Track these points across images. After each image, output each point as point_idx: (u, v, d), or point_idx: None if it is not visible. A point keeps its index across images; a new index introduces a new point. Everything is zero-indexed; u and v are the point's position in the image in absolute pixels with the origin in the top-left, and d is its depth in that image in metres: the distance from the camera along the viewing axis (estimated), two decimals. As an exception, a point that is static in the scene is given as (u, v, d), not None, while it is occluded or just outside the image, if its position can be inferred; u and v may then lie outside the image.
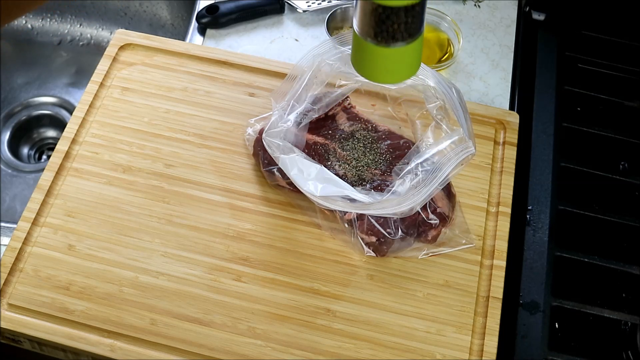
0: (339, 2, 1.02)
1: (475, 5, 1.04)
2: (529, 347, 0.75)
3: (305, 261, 0.76)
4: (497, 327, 0.73)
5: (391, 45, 0.52)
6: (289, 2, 1.02)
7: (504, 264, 0.77)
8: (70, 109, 1.17)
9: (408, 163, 0.72)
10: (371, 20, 0.51)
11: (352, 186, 0.72)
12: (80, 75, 1.20)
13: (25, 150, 1.16)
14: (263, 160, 0.79)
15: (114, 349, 0.70)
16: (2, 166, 1.11)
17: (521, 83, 0.97)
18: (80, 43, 1.21)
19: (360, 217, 0.74)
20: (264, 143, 0.75)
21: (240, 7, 1.00)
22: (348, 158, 0.78)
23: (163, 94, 0.88)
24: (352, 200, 0.70)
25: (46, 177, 0.80)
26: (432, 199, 0.75)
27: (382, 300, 0.74)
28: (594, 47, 0.99)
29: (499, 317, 0.74)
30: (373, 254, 0.76)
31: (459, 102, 0.74)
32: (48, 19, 1.20)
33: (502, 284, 0.76)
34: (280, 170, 0.76)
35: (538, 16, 1.02)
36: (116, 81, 0.88)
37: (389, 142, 0.80)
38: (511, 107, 0.94)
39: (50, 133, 1.18)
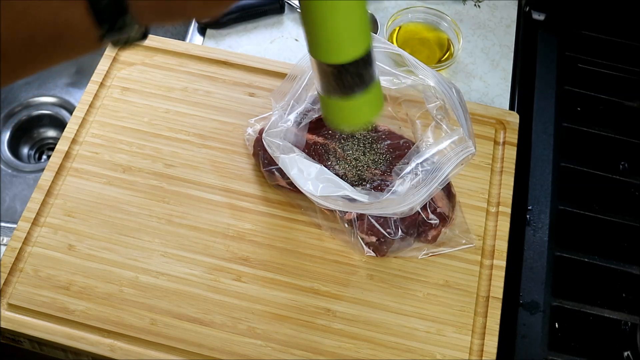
0: (339, 2, 1.02)
1: (475, 5, 1.04)
2: (529, 347, 0.75)
3: (305, 261, 0.76)
4: (497, 327, 0.73)
5: (356, 93, 0.56)
6: (289, 2, 1.02)
7: (504, 264, 0.77)
8: (70, 109, 1.17)
9: (408, 163, 0.72)
10: (331, 79, 0.56)
11: (352, 186, 0.72)
12: (80, 75, 1.19)
13: (25, 150, 1.16)
14: (263, 160, 0.79)
15: (114, 349, 0.70)
16: (2, 166, 1.11)
17: (521, 83, 0.97)
18: (81, 43, 1.21)
19: (360, 217, 0.74)
20: (264, 143, 0.75)
21: (240, 7, 1.00)
22: (348, 158, 0.78)
23: (163, 94, 0.88)
24: (352, 200, 0.70)
25: (46, 177, 0.80)
26: (432, 199, 0.75)
27: (382, 300, 0.74)
28: (594, 47, 0.99)
29: (499, 317, 0.74)
30: (373, 254, 0.76)
31: (459, 102, 0.74)
32: (48, 19, 1.20)
33: (502, 284, 0.76)
34: (280, 170, 0.76)
35: (538, 16, 1.02)
36: (116, 81, 0.88)
37: (389, 142, 0.80)
38: (511, 107, 0.94)
39: (50, 133, 1.18)
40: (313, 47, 0.54)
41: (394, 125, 0.84)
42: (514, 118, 0.87)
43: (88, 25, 0.43)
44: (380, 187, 0.75)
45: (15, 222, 0.78)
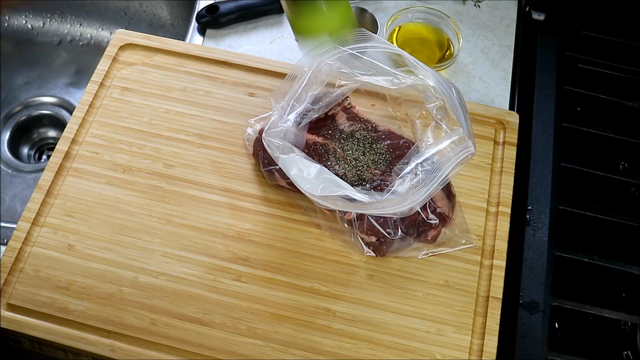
0: (339, 2, 1.02)
1: (475, 5, 1.04)
2: (529, 347, 0.75)
3: (305, 261, 0.76)
4: (497, 327, 0.73)
5: None
6: (289, 2, 1.02)
7: (503, 264, 0.77)
8: (70, 109, 1.17)
9: (408, 163, 0.72)
10: None
11: (352, 186, 0.72)
12: (80, 75, 1.20)
13: (25, 150, 1.16)
14: (263, 160, 0.79)
15: (114, 349, 0.71)
16: (2, 166, 1.11)
17: (521, 83, 0.97)
18: (80, 43, 1.21)
19: (360, 217, 0.74)
20: (264, 143, 0.75)
21: (240, 7, 1.00)
22: (348, 158, 0.78)
23: (163, 94, 0.88)
24: (352, 200, 0.70)
25: (46, 177, 0.80)
26: (432, 199, 0.75)
27: (382, 300, 0.74)
28: (594, 47, 0.99)
29: (498, 317, 0.74)
30: (373, 254, 0.76)
31: (459, 101, 0.74)
32: (48, 19, 1.20)
33: (502, 284, 0.76)
34: (280, 170, 0.76)
35: (538, 16, 1.02)
36: (116, 81, 0.88)
37: (388, 142, 0.80)
38: (511, 107, 0.95)
39: (50, 133, 1.18)
40: None
41: (394, 125, 0.84)
42: (514, 118, 0.87)
43: None
44: (380, 187, 0.75)
45: (15, 222, 0.78)
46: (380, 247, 0.75)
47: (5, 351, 0.76)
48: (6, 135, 1.15)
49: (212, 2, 1.01)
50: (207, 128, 0.85)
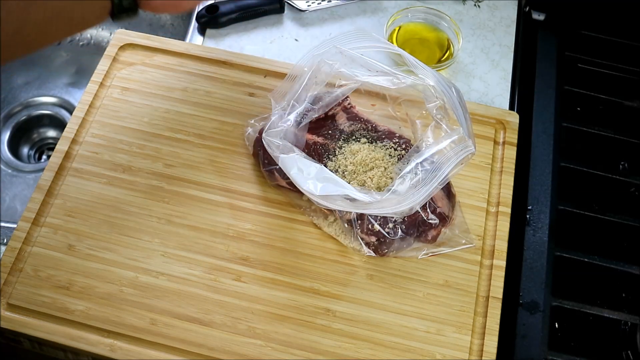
0: (339, 2, 1.02)
1: (475, 5, 1.04)
2: (529, 347, 0.75)
3: (305, 261, 0.76)
4: (497, 327, 0.73)
5: None
6: (289, 2, 1.02)
7: (503, 264, 0.77)
8: (70, 109, 1.17)
9: (408, 163, 0.72)
10: None
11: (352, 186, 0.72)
12: (80, 75, 1.20)
13: (25, 150, 1.16)
14: (263, 160, 0.79)
15: (114, 349, 0.71)
16: (2, 166, 1.11)
17: (521, 83, 0.97)
18: (80, 43, 1.21)
19: (360, 216, 0.74)
20: (264, 143, 0.75)
21: (240, 7, 1.00)
22: (348, 158, 0.78)
23: (163, 94, 0.88)
24: (352, 199, 0.70)
25: (46, 177, 0.80)
26: (432, 198, 0.75)
27: (382, 300, 0.74)
28: (594, 47, 0.99)
29: (498, 317, 0.74)
30: (373, 254, 0.76)
31: (459, 101, 0.74)
32: (48, 19, 1.20)
33: (502, 284, 0.76)
34: (280, 170, 0.76)
35: (538, 16, 1.02)
36: (116, 81, 0.88)
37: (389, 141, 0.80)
38: (511, 107, 0.94)
39: (50, 133, 1.18)
40: None
41: (394, 125, 0.84)
42: (514, 118, 0.87)
43: None
44: (380, 187, 0.75)
45: (15, 222, 0.78)
46: (380, 247, 0.75)
47: (5, 351, 0.76)
48: (6, 135, 1.15)
49: (212, 2, 1.01)
50: (207, 128, 0.85)
